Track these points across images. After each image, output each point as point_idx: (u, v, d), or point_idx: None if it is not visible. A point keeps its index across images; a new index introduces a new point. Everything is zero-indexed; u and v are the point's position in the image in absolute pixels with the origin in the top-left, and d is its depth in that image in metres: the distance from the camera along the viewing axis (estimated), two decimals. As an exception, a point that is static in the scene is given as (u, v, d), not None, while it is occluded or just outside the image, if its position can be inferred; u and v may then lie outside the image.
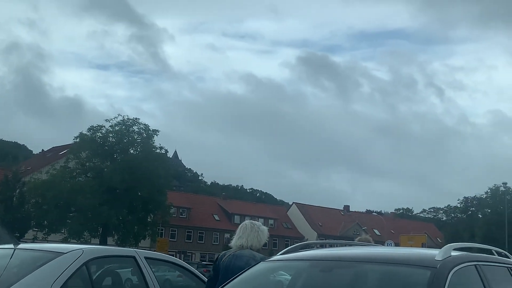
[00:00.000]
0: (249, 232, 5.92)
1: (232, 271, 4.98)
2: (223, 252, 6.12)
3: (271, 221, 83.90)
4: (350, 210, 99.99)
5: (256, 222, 6.20)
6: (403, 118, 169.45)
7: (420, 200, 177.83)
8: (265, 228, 6.09)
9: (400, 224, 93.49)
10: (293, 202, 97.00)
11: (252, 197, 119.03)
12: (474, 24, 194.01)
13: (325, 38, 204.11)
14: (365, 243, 6.38)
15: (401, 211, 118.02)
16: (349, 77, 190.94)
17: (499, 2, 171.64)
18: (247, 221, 6.14)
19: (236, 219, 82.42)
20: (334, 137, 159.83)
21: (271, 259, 4.75)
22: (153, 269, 5.98)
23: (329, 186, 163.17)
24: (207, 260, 70.70)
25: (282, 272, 4.89)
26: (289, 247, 4.88)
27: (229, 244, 6.10)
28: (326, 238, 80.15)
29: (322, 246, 6.05)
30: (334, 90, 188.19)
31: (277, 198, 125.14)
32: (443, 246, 4.37)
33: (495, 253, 5.47)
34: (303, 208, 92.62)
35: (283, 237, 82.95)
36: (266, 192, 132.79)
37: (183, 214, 78.67)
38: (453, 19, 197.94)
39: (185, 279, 6.87)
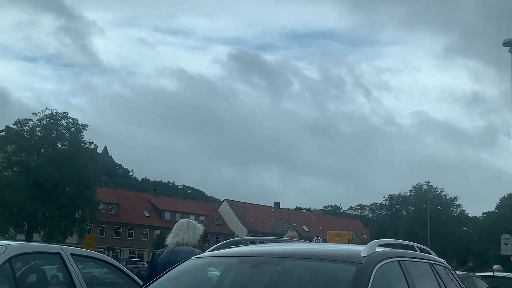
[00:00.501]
0: (185, 229, 6.19)
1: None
2: (161, 249, 6.25)
3: (202, 218, 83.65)
4: (280, 207, 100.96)
5: (192, 220, 6.51)
6: (332, 117, 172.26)
7: (348, 197, 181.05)
8: (200, 226, 6.41)
9: (328, 221, 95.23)
10: (224, 199, 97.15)
11: (184, 194, 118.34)
12: (400, 27, 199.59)
13: (257, 37, 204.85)
14: (293, 239, 6.49)
15: (329, 208, 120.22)
16: (280, 76, 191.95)
17: (424, 7, 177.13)
18: (183, 220, 6.44)
19: (167, 215, 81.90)
20: (265, 135, 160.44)
21: (200, 255, 4.77)
22: (79, 266, 5.87)
23: (260, 183, 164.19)
24: (136, 257, 69.92)
25: (211, 268, 4.90)
26: (219, 244, 4.90)
27: (165, 242, 6.32)
28: (256, 234, 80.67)
29: (252, 242, 6.10)
30: (265, 88, 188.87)
31: (209, 195, 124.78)
32: (368, 242, 4.49)
33: (417, 249, 5.65)
34: (234, 205, 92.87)
35: (213, 233, 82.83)
36: (197, 189, 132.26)
37: (112, 210, 77.35)
38: (380, 22, 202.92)
39: (113, 276, 6.78)
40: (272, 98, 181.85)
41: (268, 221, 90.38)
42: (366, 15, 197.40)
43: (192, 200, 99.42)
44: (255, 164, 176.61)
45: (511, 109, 34.21)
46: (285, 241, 5.73)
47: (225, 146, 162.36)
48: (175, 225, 6.33)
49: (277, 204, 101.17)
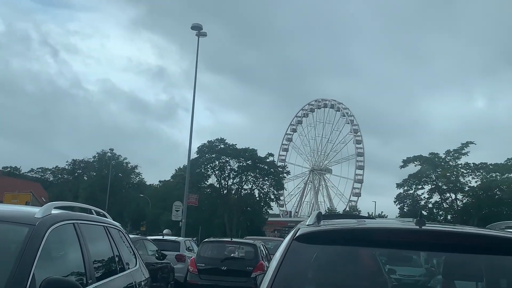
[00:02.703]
0: None
1: None
2: None
3: None
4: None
5: None
6: (15, 74, 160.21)
7: (29, 159, 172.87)
8: None
9: (6, 183, 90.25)
10: None
11: None
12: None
13: None
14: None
15: (8, 169, 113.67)
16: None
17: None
18: None
19: None
20: None
21: None
22: None
23: None
24: None
25: None
26: None
27: None
28: None
29: None
30: None
31: None
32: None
33: (94, 213, 5.80)
34: None
35: None
36: None
37: None
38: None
39: None
40: None
41: None
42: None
43: None
44: None
45: (192, 87, 36.74)
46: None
47: None
48: None
49: None
